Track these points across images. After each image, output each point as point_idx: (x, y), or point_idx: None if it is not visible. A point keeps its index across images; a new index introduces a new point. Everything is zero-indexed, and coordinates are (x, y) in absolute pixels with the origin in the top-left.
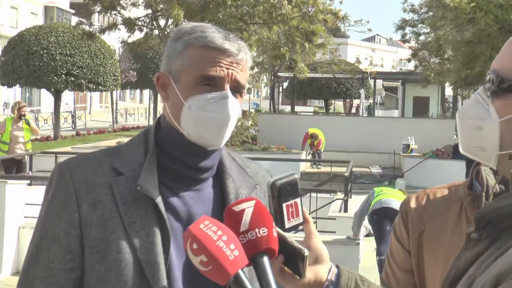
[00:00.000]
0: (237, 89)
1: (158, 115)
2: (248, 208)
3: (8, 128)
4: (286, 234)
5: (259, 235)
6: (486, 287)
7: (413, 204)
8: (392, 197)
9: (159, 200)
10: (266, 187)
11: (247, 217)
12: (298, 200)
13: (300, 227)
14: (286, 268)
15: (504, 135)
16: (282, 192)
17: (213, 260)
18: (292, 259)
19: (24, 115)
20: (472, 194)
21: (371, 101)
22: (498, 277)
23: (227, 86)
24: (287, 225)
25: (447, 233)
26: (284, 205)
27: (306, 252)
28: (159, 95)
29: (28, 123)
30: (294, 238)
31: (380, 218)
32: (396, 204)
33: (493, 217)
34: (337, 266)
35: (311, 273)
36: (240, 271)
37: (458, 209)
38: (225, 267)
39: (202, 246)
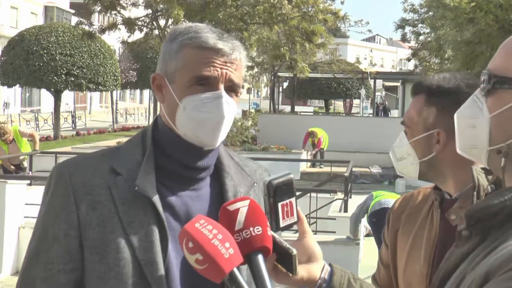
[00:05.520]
0: (232, 88)
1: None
2: (242, 207)
3: (6, 150)
4: (275, 234)
5: (253, 234)
6: (475, 284)
7: (397, 203)
8: (391, 197)
9: (156, 199)
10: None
11: (241, 216)
12: (293, 199)
13: (294, 226)
14: (279, 265)
15: (493, 130)
16: (278, 192)
17: (209, 258)
18: (284, 257)
19: (4, 135)
20: (437, 193)
21: (385, 102)
22: (487, 274)
23: (221, 86)
24: (281, 224)
25: (414, 229)
26: (279, 204)
27: (294, 252)
28: None
29: (19, 135)
30: (287, 238)
31: (379, 220)
32: None
33: (482, 215)
34: (330, 265)
35: (304, 271)
36: (235, 269)
37: (428, 207)
38: (220, 265)
39: (198, 245)
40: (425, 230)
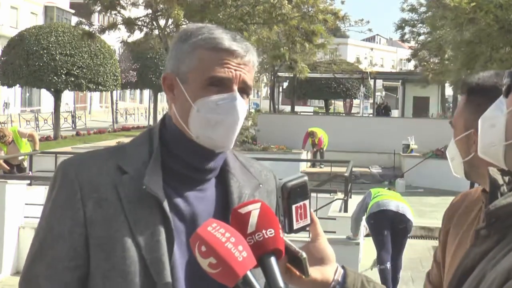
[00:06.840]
0: (244, 90)
1: (158, 115)
2: (254, 210)
3: (6, 152)
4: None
5: (266, 236)
6: (496, 282)
7: (454, 200)
8: (389, 198)
9: (163, 199)
10: (269, 186)
11: (253, 219)
12: (307, 202)
13: (307, 228)
14: (292, 268)
15: (509, 124)
16: (292, 194)
17: (222, 262)
18: (294, 260)
19: (3, 137)
20: (484, 195)
21: (386, 101)
22: (509, 271)
23: (235, 88)
24: (295, 226)
25: (462, 230)
26: (293, 206)
27: (304, 255)
28: (159, 95)
29: (18, 136)
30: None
31: (378, 222)
32: (393, 205)
33: (501, 213)
34: (343, 267)
35: (318, 273)
36: (248, 272)
37: (478, 209)
38: (234, 268)
39: (211, 249)
40: (471, 232)
